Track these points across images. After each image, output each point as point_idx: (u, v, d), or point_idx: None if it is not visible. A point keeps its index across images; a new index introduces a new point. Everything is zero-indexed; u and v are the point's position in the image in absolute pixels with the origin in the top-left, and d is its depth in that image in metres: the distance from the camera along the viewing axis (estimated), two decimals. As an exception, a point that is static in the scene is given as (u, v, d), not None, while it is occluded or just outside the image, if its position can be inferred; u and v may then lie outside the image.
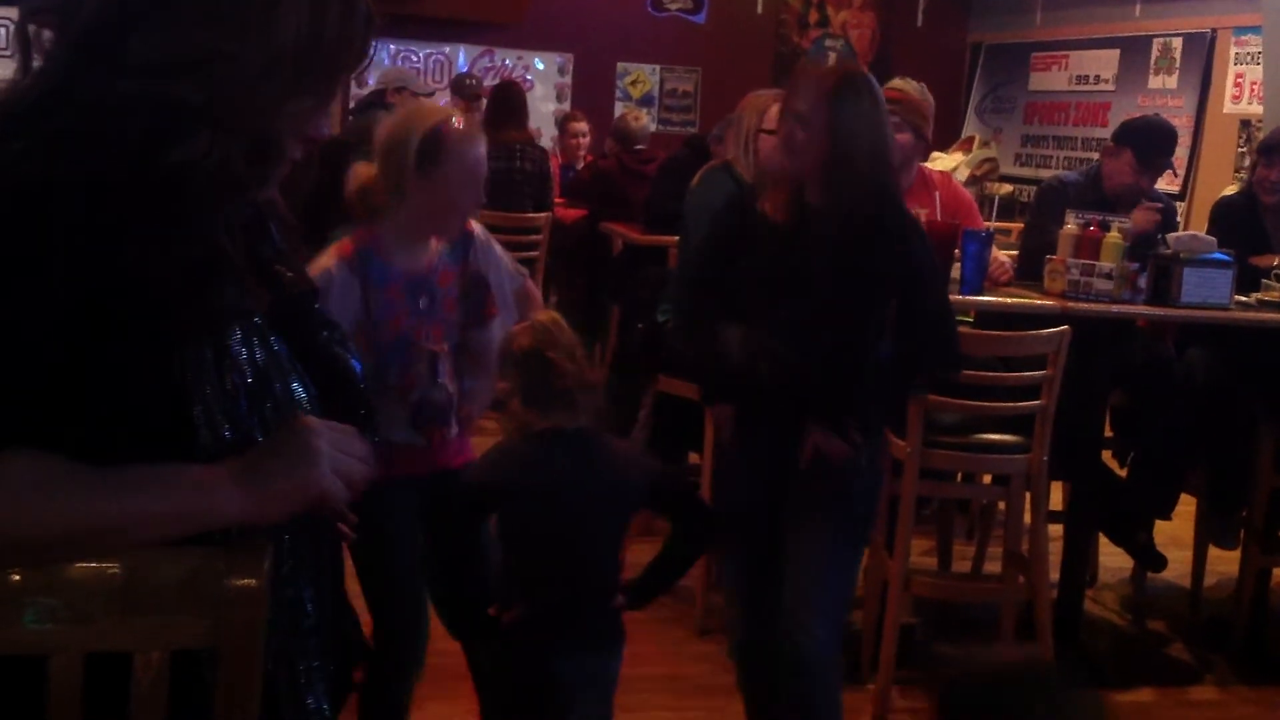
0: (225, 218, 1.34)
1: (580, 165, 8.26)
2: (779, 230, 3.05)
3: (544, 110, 10.09)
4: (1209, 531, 4.62)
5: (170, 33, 1.27)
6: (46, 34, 1.31)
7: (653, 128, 8.74)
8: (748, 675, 3.26)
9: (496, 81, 9.08)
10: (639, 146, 7.19)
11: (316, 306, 1.55)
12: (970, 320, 4.24)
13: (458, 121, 2.89)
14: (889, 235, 2.99)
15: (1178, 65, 8.55)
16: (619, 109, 10.40)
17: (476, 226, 3.03)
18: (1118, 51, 9.14)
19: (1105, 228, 4.16)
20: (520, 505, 2.61)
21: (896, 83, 4.43)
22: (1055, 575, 4.17)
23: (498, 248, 3.08)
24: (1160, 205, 4.61)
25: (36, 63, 1.31)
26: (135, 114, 1.25)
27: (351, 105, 7.94)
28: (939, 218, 4.29)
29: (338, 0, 1.36)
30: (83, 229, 1.20)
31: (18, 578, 1.15)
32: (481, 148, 2.89)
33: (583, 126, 8.39)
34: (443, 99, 9.05)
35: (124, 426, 1.22)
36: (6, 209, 1.19)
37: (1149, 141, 4.66)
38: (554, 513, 2.59)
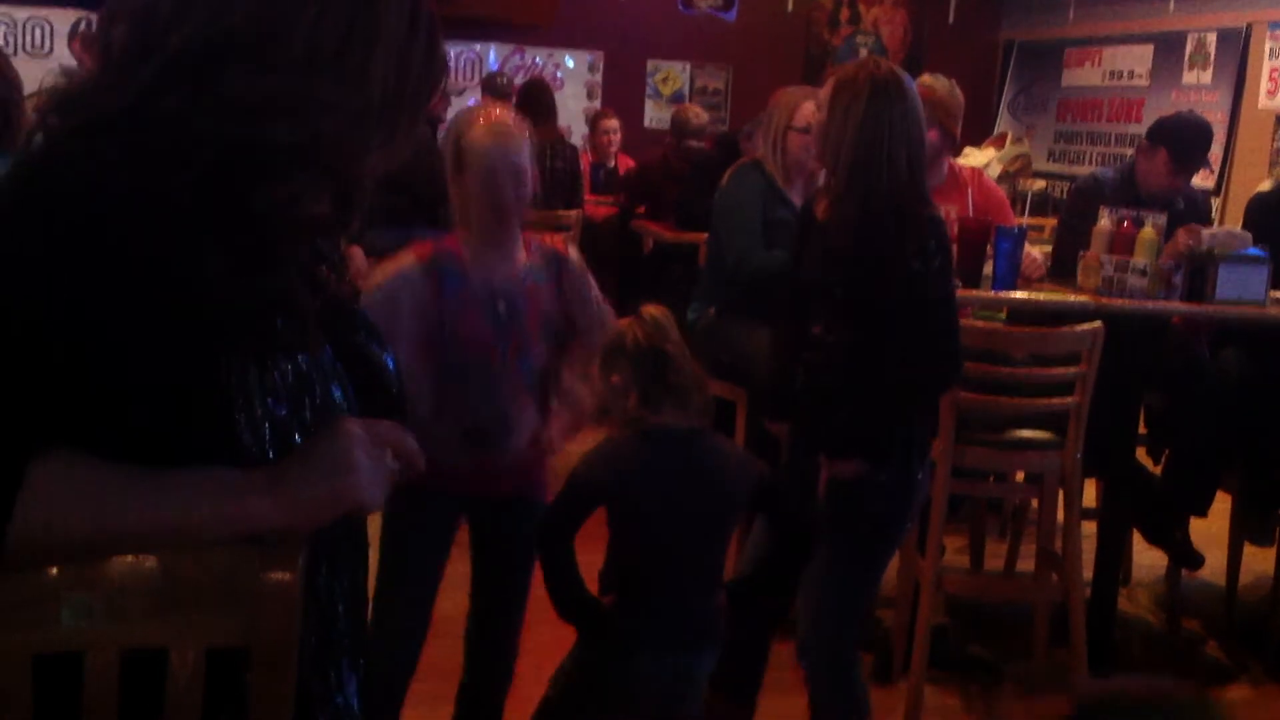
0: (298, 253, 1.35)
1: (611, 163, 8.29)
2: (816, 237, 3.04)
3: (574, 108, 10.10)
4: (1245, 530, 4.58)
5: (272, 74, 1.27)
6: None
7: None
8: None
9: (527, 79, 9.11)
10: (692, 143, 7.16)
11: (355, 308, 1.56)
12: (1002, 317, 4.22)
13: (486, 118, 2.84)
14: (897, 254, 2.88)
15: (1212, 60, 8.48)
16: (649, 106, 10.41)
17: (572, 253, 2.97)
18: (1151, 47, 9.08)
19: (1139, 224, 4.13)
20: (624, 503, 2.57)
21: (926, 79, 4.41)
22: (1089, 574, 4.15)
23: (591, 280, 2.99)
24: (1197, 228, 4.57)
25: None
26: (222, 146, 1.25)
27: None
28: (971, 215, 4.28)
29: (422, 43, 1.37)
30: (148, 244, 1.20)
31: (54, 574, 1.16)
32: (505, 142, 2.80)
33: (614, 124, 8.39)
34: (473, 98, 9.08)
35: (165, 429, 1.23)
36: (70, 210, 1.19)
37: (1184, 141, 4.62)
38: (657, 513, 2.55)
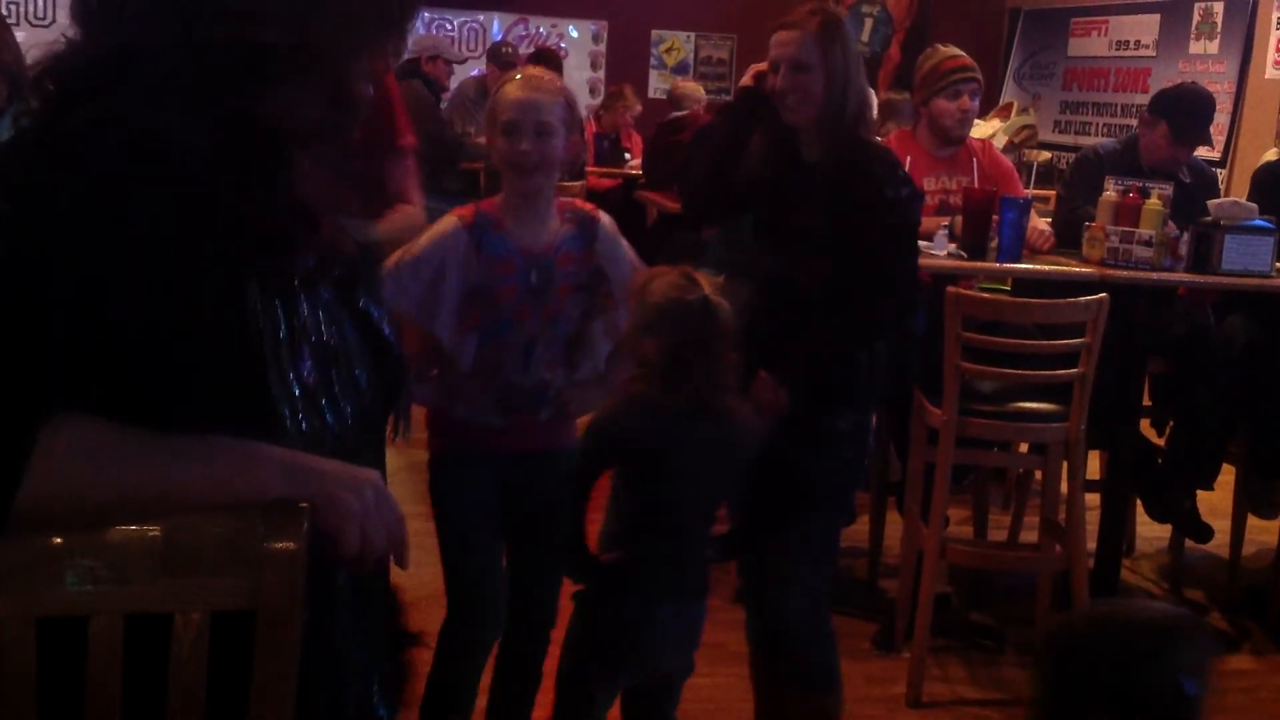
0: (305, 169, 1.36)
1: (621, 136, 8.32)
2: (766, 184, 3.08)
3: (579, 78, 10.07)
4: (1248, 501, 4.59)
5: None
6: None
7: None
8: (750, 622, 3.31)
9: (532, 50, 9.09)
10: (674, 114, 7.18)
11: (362, 269, 1.55)
12: (1007, 288, 4.21)
13: (516, 75, 2.86)
14: (882, 186, 2.97)
15: (1219, 30, 8.43)
16: (653, 77, 10.37)
17: (604, 217, 2.96)
18: (1158, 16, 9.03)
19: (1145, 194, 4.11)
20: (637, 457, 2.65)
21: (952, 50, 4.42)
22: (1092, 544, 4.16)
23: (624, 242, 2.98)
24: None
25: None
26: (220, 62, 1.25)
27: (387, 74, 7.95)
28: (977, 185, 4.27)
29: None
30: (180, 188, 1.20)
31: (58, 540, 1.16)
32: (533, 96, 2.77)
33: (637, 107, 8.46)
34: (475, 68, 9.04)
35: (199, 384, 1.22)
36: (88, 169, 1.18)
37: (1184, 113, 4.59)
38: (669, 469, 2.63)
